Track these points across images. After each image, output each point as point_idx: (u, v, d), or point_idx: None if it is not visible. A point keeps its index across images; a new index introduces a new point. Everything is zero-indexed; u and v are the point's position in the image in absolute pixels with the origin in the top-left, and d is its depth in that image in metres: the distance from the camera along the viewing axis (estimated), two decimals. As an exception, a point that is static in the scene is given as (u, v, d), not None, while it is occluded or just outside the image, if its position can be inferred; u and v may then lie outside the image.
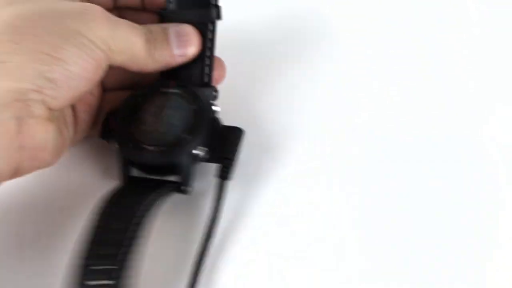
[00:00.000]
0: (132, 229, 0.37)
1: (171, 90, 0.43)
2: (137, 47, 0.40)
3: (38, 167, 0.37)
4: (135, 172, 0.43)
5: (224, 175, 0.42)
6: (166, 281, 0.40)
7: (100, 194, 0.40)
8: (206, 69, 0.44)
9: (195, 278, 0.39)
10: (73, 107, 0.42)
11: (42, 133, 0.36)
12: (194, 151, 0.41)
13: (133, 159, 0.41)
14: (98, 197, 0.40)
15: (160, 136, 0.41)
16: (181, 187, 0.42)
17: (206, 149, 0.41)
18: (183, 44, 0.42)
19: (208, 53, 0.44)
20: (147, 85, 0.44)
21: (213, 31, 0.43)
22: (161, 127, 0.42)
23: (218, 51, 0.44)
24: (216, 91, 0.44)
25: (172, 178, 0.43)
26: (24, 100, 0.35)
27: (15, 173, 0.36)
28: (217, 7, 0.43)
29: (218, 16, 0.43)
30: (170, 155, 0.40)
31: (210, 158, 0.42)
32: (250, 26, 0.54)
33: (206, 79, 0.44)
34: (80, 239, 0.37)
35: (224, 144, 0.43)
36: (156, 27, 0.41)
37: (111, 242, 0.36)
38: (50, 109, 0.36)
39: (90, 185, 0.44)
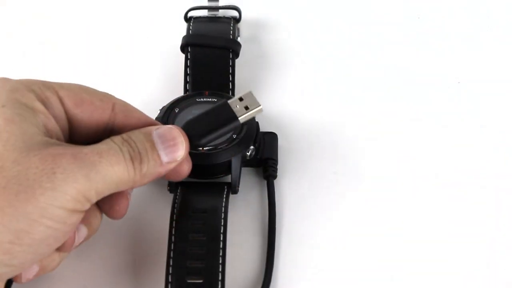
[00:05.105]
0: (222, 238, 0.41)
1: (207, 99, 0.46)
2: (120, 174, 0.35)
3: None
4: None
5: (273, 174, 0.45)
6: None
7: (156, 201, 0.44)
8: (230, 77, 0.48)
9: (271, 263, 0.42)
10: None
11: None
12: (246, 150, 0.44)
13: (195, 162, 0.42)
14: (157, 205, 0.44)
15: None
16: (232, 187, 0.44)
17: (254, 148, 0.45)
18: (171, 151, 0.37)
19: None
20: (181, 96, 0.47)
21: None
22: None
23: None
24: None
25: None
26: None
27: None
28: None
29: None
30: (231, 153, 0.43)
31: (253, 160, 0.45)
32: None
33: (231, 87, 0.48)
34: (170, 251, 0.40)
35: (264, 148, 0.46)
36: (138, 136, 0.37)
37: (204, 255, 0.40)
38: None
39: (140, 194, 0.46)
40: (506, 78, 0.52)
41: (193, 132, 0.39)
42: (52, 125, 0.36)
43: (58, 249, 0.37)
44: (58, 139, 0.37)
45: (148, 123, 0.39)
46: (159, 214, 0.44)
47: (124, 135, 0.37)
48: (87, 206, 0.35)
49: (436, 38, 0.55)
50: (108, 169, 0.35)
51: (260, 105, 0.41)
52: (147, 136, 0.37)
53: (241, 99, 0.41)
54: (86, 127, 0.38)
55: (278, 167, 0.46)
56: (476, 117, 0.50)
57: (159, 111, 0.46)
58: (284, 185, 0.46)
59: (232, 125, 0.40)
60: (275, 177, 0.46)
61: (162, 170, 0.37)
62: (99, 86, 0.53)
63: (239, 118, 0.40)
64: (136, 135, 0.37)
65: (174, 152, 0.37)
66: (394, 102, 0.51)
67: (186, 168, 0.40)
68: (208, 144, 0.43)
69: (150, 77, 0.52)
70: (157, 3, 0.57)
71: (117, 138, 0.36)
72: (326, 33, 0.55)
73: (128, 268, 0.42)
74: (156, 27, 0.55)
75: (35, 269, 0.37)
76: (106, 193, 0.36)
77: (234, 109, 0.40)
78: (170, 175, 0.39)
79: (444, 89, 0.52)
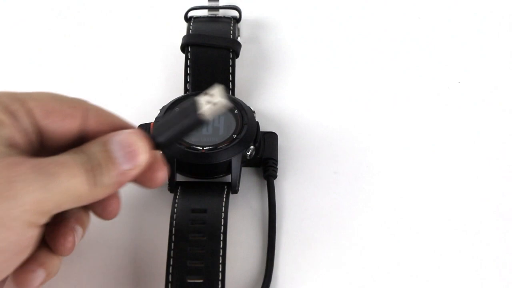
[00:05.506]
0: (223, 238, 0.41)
1: None
2: (79, 187, 0.34)
3: None
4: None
5: (273, 174, 0.46)
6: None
7: (156, 201, 0.44)
8: (230, 77, 0.48)
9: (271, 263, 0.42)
10: None
11: None
12: (246, 150, 0.44)
13: (195, 161, 0.43)
14: (157, 205, 0.44)
15: (211, 138, 0.44)
16: (232, 187, 0.44)
17: (254, 148, 0.45)
18: (130, 157, 0.35)
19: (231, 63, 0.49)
20: (182, 96, 0.47)
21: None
22: (206, 131, 0.44)
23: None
24: None
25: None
26: None
27: None
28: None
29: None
30: (231, 153, 0.43)
31: (253, 160, 0.45)
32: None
33: (231, 87, 0.48)
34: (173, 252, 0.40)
35: (264, 148, 0.46)
36: (95, 147, 0.35)
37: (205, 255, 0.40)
38: None
39: (140, 194, 0.46)
40: (506, 78, 0.52)
41: (158, 133, 0.37)
42: (19, 138, 0.35)
43: (59, 253, 0.37)
44: (24, 152, 0.36)
45: (121, 128, 0.37)
46: (159, 214, 0.44)
47: (83, 146, 0.36)
48: (43, 220, 0.33)
49: (436, 38, 0.55)
50: (69, 181, 0.33)
51: (222, 100, 0.37)
52: (103, 145, 0.35)
53: (208, 93, 0.37)
54: (58, 136, 0.37)
55: (278, 167, 0.46)
56: (476, 117, 0.50)
57: (159, 111, 0.46)
58: (284, 185, 0.46)
59: (194, 123, 0.37)
60: (275, 177, 0.46)
61: (124, 178, 0.35)
62: (99, 86, 0.53)
63: (201, 115, 0.37)
64: (94, 145, 0.36)
65: (133, 158, 0.35)
66: (394, 102, 0.51)
67: (160, 174, 0.38)
68: (208, 144, 0.43)
69: (150, 77, 0.52)
70: (157, 3, 0.57)
71: (77, 149, 0.35)
72: (326, 33, 0.55)
73: (128, 268, 0.42)
74: (156, 27, 0.55)
75: (41, 276, 0.36)
76: (67, 207, 0.34)
77: (200, 106, 0.37)
78: (144, 183, 0.38)
79: (444, 89, 0.52)
